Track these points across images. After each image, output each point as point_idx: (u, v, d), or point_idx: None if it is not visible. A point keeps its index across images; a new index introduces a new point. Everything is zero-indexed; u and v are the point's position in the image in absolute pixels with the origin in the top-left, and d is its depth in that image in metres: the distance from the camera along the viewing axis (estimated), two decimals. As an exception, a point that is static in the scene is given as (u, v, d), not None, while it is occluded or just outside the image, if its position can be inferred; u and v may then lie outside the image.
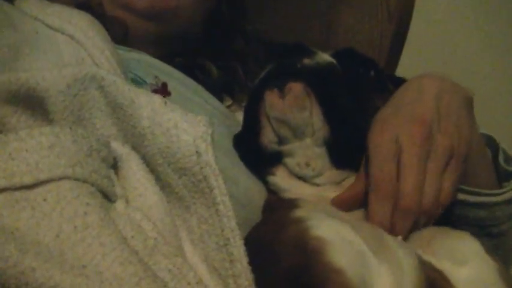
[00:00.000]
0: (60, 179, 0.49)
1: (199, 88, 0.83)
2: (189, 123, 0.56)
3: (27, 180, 0.48)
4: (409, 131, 0.63)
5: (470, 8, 1.55)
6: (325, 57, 0.71)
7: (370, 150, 0.65)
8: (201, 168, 0.54)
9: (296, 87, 0.66)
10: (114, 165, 0.57)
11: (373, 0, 1.13)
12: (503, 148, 0.79)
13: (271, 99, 0.67)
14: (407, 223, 0.63)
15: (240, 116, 0.89)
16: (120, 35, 0.81)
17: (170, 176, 0.56)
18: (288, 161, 0.69)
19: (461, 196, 0.69)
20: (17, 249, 0.44)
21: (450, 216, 0.68)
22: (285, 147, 0.69)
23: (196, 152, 0.55)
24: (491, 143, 0.79)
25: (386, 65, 1.13)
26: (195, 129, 0.55)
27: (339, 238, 0.55)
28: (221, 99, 0.89)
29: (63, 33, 0.67)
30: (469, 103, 0.70)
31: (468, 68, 1.53)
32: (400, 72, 1.15)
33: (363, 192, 0.65)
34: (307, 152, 0.68)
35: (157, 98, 0.57)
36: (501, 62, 1.56)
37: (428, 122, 0.64)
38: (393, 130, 0.64)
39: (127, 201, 0.55)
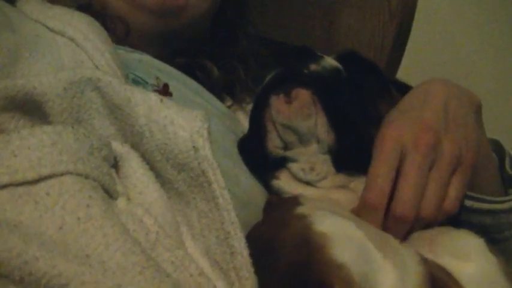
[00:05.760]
0: (63, 174, 0.50)
1: (200, 88, 0.83)
2: (185, 119, 0.56)
3: (30, 176, 0.48)
4: (415, 137, 0.62)
5: (471, 9, 1.56)
6: (331, 62, 0.71)
7: (373, 153, 0.64)
8: (199, 163, 0.55)
9: (303, 94, 0.66)
10: (115, 164, 0.57)
11: (374, 1, 1.13)
12: (510, 154, 0.78)
13: (278, 105, 0.67)
14: (400, 230, 0.62)
15: (240, 115, 0.89)
16: (122, 34, 0.82)
17: (169, 172, 0.57)
18: (293, 165, 0.69)
19: (466, 202, 0.68)
20: (21, 240, 0.44)
21: (453, 221, 0.67)
22: (290, 153, 0.69)
23: (193, 147, 0.55)
24: (499, 149, 0.78)
25: (388, 65, 1.13)
26: (192, 125, 0.56)
27: (342, 234, 0.55)
28: (222, 100, 0.89)
29: (63, 35, 0.67)
30: (477, 109, 0.69)
31: (469, 68, 1.53)
32: (401, 72, 1.15)
33: None
34: (312, 158, 0.68)
35: (153, 96, 0.58)
36: (502, 62, 1.56)
37: (436, 128, 0.63)
38: (399, 135, 0.63)
39: (128, 199, 0.55)
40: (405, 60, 1.16)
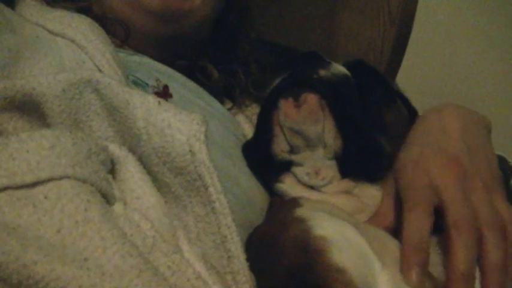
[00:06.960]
0: (61, 178, 0.50)
1: (201, 90, 0.83)
2: (182, 122, 0.56)
3: (29, 179, 0.49)
4: (444, 172, 0.62)
5: (471, 11, 1.56)
6: (340, 68, 0.71)
7: (405, 196, 0.62)
8: (196, 166, 0.55)
9: (311, 99, 0.66)
10: (112, 168, 0.57)
11: (374, 3, 1.13)
12: None
13: (286, 109, 0.67)
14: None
15: (240, 118, 0.89)
16: (122, 37, 0.82)
17: (166, 176, 0.57)
18: (298, 169, 0.70)
19: None
20: (19, 243, 0.45)
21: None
22: (296, 157, 0.69)
23: (190, 150, 0.55)
24: (504, 165, 0.77)
25: (388, 68, 1.13)
26: (189, 128, 0.56)
27: (342, 238, 0.56)
28: (221, 102, 0.89)
29: (63, 37, 0.68)
30: (488, 131, 0.69)
31: (469, 71, 1.53)
32: (401, 75, 1.15)
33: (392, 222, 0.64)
34: (318, 162, 0.68)
35: (152, 98, 0.58)
36: (502, 65, 1.56)
37: (461, 160, 0.63)
38: (426, 172, 0.62)
39: (125, 204, 0.55)
40: (405, 63, 1.16)
